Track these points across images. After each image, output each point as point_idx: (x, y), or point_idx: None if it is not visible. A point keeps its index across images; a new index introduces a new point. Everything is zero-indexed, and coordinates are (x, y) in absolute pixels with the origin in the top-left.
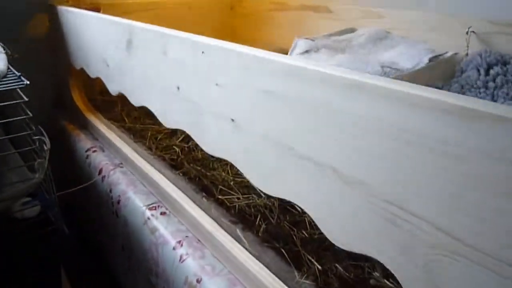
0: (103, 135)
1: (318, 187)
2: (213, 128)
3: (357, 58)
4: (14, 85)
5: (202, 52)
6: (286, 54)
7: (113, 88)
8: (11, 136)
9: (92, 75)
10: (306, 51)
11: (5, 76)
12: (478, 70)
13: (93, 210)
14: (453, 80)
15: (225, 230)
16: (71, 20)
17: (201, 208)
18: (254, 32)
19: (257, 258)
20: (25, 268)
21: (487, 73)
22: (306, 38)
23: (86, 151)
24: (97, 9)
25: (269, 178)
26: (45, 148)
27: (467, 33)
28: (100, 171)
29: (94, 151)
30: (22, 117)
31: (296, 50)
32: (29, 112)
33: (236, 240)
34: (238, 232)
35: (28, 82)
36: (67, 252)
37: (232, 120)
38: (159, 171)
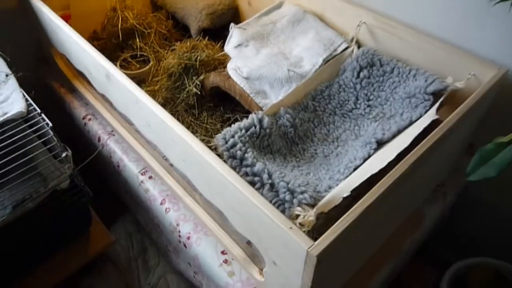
0: (92, 105)
1: None
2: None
3: (273, 55)
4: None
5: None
6: None
7: (98, 90)
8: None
9: (76, 67)
10: (239, 45)
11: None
12: (353, 72)
13: (100, 171)
14: (336, 80)
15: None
16: (45, 16)
17: (173, 178)
18: None
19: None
20: (69, 218)
21: (358, 75)
22: (239, 28)
23: (83, 118)
24: None
25: None
26: (68, 154)
27: (358, 25)
28: (99, 139)
29: (90, 119)
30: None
31: (231, 42)
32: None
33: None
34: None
35: (51, 125)
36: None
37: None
38: (142, 145)
